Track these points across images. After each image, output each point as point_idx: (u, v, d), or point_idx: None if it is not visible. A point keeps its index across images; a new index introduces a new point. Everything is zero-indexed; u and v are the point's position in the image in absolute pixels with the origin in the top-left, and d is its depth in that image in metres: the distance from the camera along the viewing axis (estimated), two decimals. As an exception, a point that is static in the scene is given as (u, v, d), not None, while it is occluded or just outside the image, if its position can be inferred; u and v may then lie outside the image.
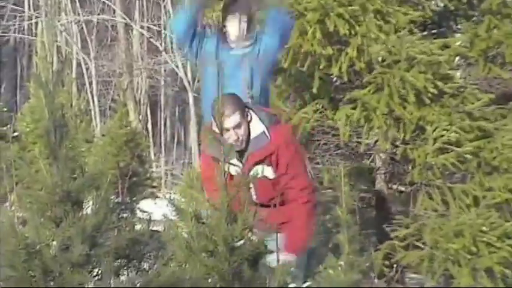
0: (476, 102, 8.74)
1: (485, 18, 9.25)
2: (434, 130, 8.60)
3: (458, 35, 9.95)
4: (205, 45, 6.27)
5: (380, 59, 8.78)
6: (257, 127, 5.35)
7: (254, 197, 4.97)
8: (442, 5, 9.57)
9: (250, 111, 5.45)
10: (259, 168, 5.25)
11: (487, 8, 9.28)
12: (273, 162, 5.34)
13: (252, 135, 5.34)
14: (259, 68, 6.15)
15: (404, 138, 8.79)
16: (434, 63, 8.57)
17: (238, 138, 5.25)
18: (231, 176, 3.99)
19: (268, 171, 5.37)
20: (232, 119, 5.13)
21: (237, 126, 5.22)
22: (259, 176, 4.97)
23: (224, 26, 6.21)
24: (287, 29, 6.52)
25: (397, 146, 9.04)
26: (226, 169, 3.93)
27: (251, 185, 4.40)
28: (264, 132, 5.34)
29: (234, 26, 6.07)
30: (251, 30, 6.25)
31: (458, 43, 9.40)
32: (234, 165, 4.31)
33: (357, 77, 9.10)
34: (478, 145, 8.58)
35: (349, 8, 8.47)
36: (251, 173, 4.97)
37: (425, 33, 9.43)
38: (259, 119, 5.42)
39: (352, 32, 8.45)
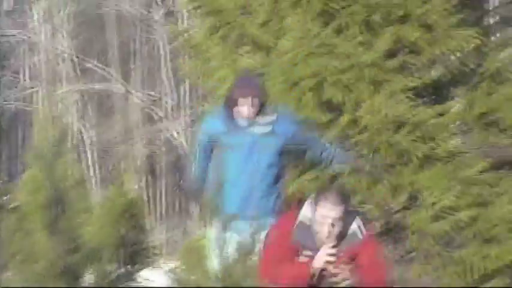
0: (474, 168, 8.97)
1: (483, 83, 9.46)
2: (430, 195, 8.76)
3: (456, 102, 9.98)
4: (213, 131, 6.44)
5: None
6: (351, 222, 5.04)
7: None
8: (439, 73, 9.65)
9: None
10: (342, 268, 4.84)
11: (485, 72, 9.57)
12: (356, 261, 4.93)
13: (349, 231, 4.98)
14: (282, 149, 6.34)
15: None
16: (423, 125, 8.81)
17: (333, 232, 4.82)
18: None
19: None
20: (337, 211, 4.76)
21: (338, 220, 4.80)
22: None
23: (232, 109, 6.25)
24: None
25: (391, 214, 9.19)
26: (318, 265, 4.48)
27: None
28: (359, 228, 5.05)
29: (245, 107, 6.16)
30: (267, 112, 6.34)
31: (455, 108, 9.59)
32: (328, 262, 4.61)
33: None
34: (474, 214, 8.82)
35: (344, 75, 8.70)
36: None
37: (424, 99, 9.58)
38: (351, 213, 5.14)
39: (346, 99, 8.67)
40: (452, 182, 8.93)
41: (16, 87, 36.87)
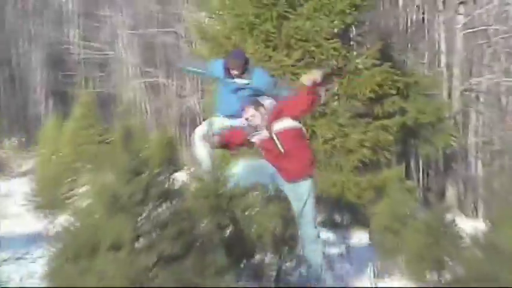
0: (344, 117, 14.89)
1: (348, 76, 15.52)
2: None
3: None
4: (215, 73, 8.91)
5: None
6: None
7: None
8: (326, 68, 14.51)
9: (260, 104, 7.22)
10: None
11: (349, 68, 15.78)
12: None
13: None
14: (254, 92, 8.29)
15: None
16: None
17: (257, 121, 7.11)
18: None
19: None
20: (250, 112, 7.12)
21: (253, 115, 7.11)
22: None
23: (229, 68, 8.46)
24: (269, 83, 8.72)
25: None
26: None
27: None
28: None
29: (234, 70, 8.38)
30: (247, 72, 8.41)
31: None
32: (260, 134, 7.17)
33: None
34: (341, 140, 14.69)
35: (277, 71, 14.48)
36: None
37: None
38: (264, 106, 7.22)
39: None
40: (333, 124, 14.89)
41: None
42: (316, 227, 7.26)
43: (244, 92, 8.41)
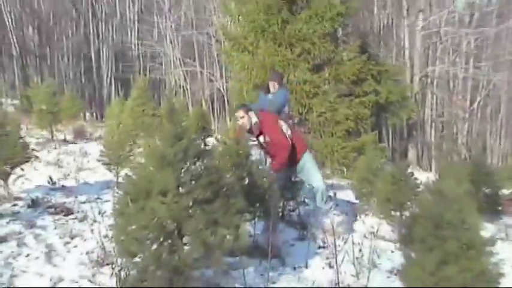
0: (332, 96, 15.15)
1: (335, 66, 15.74)
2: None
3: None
4: (260, 94, 9.65)
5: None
6: (254, 118, 6.70)
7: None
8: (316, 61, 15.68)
9: (251, 112, 6.75)
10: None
11: (336, 60, 15.91)
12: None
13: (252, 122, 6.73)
14: (276, 104, 8.71)
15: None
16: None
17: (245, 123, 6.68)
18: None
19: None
20: (240, 114, 6.71)
21: (242, 117, 6.65)
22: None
23: (268, 86, 9.14)
24: (286, 101, 9.24)
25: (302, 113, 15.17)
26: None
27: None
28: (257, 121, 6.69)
29: (271, 86, 8.99)
30: (277, 88, 8.98)
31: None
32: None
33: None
34: (330, 114, 14.99)
35: (281, 63, 15.02)
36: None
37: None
38: (255, 115, 6.76)
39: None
40: (326, 102, 15.14)
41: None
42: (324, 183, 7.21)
43: (270, 103, 8.76)
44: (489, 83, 27.64)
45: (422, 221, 4.01)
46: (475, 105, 28.07)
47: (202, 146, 4.14)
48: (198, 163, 4.01)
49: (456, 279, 3.70)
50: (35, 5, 32.53)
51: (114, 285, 4.25)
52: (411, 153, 23.24)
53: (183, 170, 3.89)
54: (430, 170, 23.05)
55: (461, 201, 3.98)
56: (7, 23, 30.19)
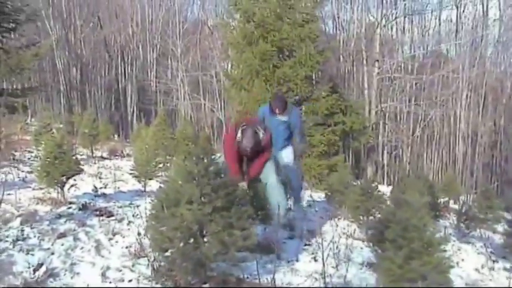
0: (310, 125, 15.23)
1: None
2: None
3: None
4: (264, 114, 7.19)
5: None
6: (260, 134, 5.43)
7: (249, 154, 5.61)
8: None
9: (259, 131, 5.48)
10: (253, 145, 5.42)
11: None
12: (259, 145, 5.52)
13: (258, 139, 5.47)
14: (290, 128, 7.17)
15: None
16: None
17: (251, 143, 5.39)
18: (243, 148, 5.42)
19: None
20: (251, 143, 5.35)
21: (251, 142, 5.38)
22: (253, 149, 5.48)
23: (272, 107, 7.10)
24: (299, 121, 7.54)
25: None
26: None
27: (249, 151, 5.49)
28: (263, 135, 5.50)
29: (276, 108, 7.03)
30: (286, 110, 7.06)
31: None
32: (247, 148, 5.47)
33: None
34: (309, 139, 14.95)
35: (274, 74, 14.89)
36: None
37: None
38: (260, 128, 5.53)
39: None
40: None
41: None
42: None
43: (283, 125, 7.15)
44: (426, 116, 28.11)
45: (392, 225, 4.04)
46: (416, 133, 28.41)
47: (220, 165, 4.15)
48: (217, 178, 4.02)
49: (419, 271, 3.74)
50: (78, 51, 32.89)
51: (150, 274, 4.24)
52: (369, 170, 23.31)
53: (205, 184, 3.91)
54: (383, 183, 23.10)
55: (423, 209, 4.02)
56: (57, 65, 30.82)
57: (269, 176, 5.80)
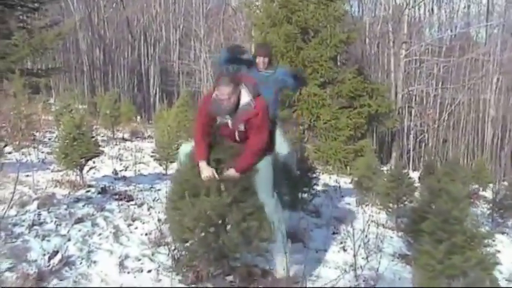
0: (335, 108, 14.91)
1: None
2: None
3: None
4: (242, 68, 5.52)
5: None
6: (245, 98, 3.82)
7: (238, 139, 3.85)
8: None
9: (242, 85, 3.86)
10: (241, 124, 3.81)
11: None
12: (250, 121, 3.82)
13: (242, 103, 3.80)
14: (275, 85, 5.37)
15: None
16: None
17: (229, 103, 3.73)
18: (225, 126, 3.84)
19: (243, 127, 3.81)
20: (227, 90, 3.69)
21: (231, 94, 3.71)
22: (241, 129, 3.83)
23: (255, 60, 5.42)
24: (289, 73, 5.68)
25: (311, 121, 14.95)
26: (221, 121, 3.82)
27: (237, 133, 3.84)
28: (250, 101, 3.82)
29: (259, 61, 5.40)
30: (271, 64, 5.52)
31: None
32: (226, 119, 3.85)
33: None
34: (334, 122, 14.72)
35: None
36: (239, 126, 3.85)
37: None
38: (248, 91, 3.86)
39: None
40: (328, 111, 14.80)
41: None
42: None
43: (266, 83, 5.27)
44: (453, 101, 27.46)
45: (431, 217, 3.74)
46: (443, 117, 27.78)
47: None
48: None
49: (460, 267, 3.44)
50: (102, 32, 33.08)
51: (170, 264, 4.02)
52: (394, 155, 22.79)
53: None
54: (409, 168, 22.64)
55: (465, 200, 3.71)
56: (81, 46, 31.11)
57: (263, 189, 3.94)
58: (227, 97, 3.75)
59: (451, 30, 30.61)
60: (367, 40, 27.39)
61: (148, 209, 5.72)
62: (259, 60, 5.39)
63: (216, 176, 3.69)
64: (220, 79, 3.79)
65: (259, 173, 3.91)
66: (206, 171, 3.70)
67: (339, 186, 8.91)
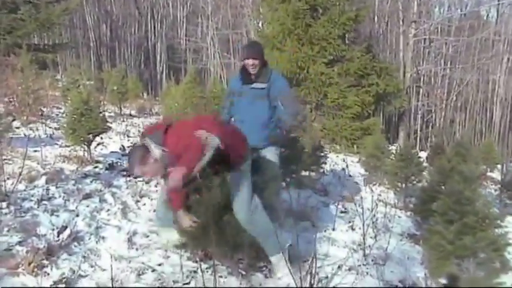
0: (343, 86, 14.73)
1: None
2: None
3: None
4: (233, 88, 4.74)
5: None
6: (156, 151, 3.11)
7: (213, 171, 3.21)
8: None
9: (146, 141, 3.19)
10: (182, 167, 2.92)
11: None
12: (180, 157, 3.02)
13: (158, 157, 3.11)
14: (272, 101, 4.44)
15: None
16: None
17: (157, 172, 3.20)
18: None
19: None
20: (142, 170, 3.17)
21: (149, 170, 3.17)
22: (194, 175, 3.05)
23: (242, 72, 4.56)
24: (286, 89, 4.66)
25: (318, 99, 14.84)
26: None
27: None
28: (161, 151, 3.09)
29: (249, 66, 4.43)
30: (265, 73, 4.52)
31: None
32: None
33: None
34: (342, 100, 14.65)
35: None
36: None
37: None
38: (153, 141, 3.14)
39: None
40: (335, 89, 14.68)
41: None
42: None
43: (260, 98, 4.52)
44: (461, 81, 27.22)
45: (442, 197, 3.69)
46: (451, 97, 27.56)
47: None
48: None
49: (471, 248, 3.40)
50: (108, 8, 32.93)
51: (178, 241, 3.93)
52: (401, 135, 22.63)
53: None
54: (416, 148, 22.57)
55: (477, 180, 3.66)
56: (87, 22, 31.02)
57: (241, 207, 3.53)
58: (150, 172, 3.25)
59: (461, 9, 30.26)
60: (375, 19, 27.05)
61: (156, 185, 5.70)
62: (248, 62, 4.50)
63: (196, 219, 3.43)
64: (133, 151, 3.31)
65: (235, 189, 3.49)
66: (185, 221, 3.45)
67: (347, 165, 8.84)
